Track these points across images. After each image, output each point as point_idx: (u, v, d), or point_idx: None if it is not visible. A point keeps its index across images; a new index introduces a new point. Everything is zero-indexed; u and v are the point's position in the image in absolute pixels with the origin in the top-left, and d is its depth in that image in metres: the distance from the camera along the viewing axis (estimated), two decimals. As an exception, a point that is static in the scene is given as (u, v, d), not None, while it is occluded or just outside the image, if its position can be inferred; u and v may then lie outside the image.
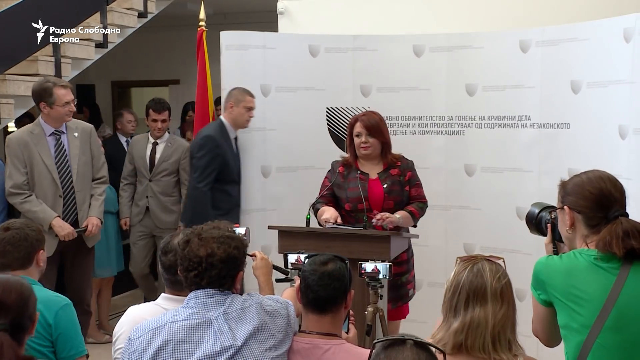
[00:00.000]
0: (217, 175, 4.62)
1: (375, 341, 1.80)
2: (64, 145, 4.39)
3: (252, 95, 4.71)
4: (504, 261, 2.19)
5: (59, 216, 4.34)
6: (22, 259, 2.73)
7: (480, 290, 2.07)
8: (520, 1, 5.01)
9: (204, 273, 2.17)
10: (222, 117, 4.76)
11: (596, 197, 2.20)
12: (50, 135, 4.37)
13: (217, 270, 2.17)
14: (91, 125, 4.67)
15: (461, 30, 4.91)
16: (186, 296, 2.52)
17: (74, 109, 4.41)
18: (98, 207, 4.57)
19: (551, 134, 4.51)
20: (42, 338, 2.59)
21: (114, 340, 2.58)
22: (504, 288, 2.10)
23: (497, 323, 2.06)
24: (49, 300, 2.65)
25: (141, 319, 2.50)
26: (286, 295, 2.68)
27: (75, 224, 4.42)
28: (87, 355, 2.77)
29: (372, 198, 3.77)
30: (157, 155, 5.29)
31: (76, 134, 4.45)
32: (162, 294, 2.60)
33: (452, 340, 2.07)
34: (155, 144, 5.33)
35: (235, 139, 4.80)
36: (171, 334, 2.14)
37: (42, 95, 4.30)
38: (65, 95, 4.31)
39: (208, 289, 2.20)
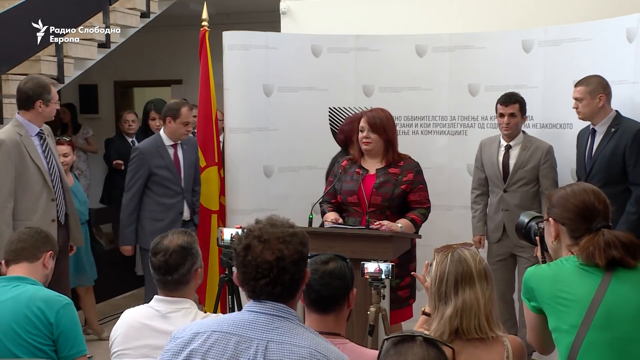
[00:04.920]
0: None
1: (385, 338, 1.82)
2: (49, 147, 4.15)
3: None
4: (476, 247, 2.24)
5: None
6: (31, 249, 2.82)
7: (467, 273, 2.19)
8: (523, 1, 5.01)
9: (276, 279, 1.88)
10: None
11: (580, 210, 2.25)
12: (35, 135, 4.07)
13: (290, 274, 1.90)
14: (49, 127, 4.27)
15: (464, 30, 4.92)
16: (179, 297, 2.51)
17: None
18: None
19: (554, 134, 4.51)
20: (43, 336, 2.61)
21: (110, 343, 2.58)
22: (486, 268, 2.23)
23: (487, 302, 2.17)
24: (50, 299, 2.66)
25: (135, 321, 2.52)
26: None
27: (65, 228, 4.13)
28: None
29: (362, 192, 3.78)
30: (512, 162, 4.42)
31: (49, 135, 4.20)
32: (155, 296, 2.57)
33: (448, 327, 2.16)
34: (508, 148, 4.43)
35: None
36: (206, 346, 1.88)
37: (41, 92, 4.05)
38: (56, 94, 4.14)
39: (268, 302, 1.91)
